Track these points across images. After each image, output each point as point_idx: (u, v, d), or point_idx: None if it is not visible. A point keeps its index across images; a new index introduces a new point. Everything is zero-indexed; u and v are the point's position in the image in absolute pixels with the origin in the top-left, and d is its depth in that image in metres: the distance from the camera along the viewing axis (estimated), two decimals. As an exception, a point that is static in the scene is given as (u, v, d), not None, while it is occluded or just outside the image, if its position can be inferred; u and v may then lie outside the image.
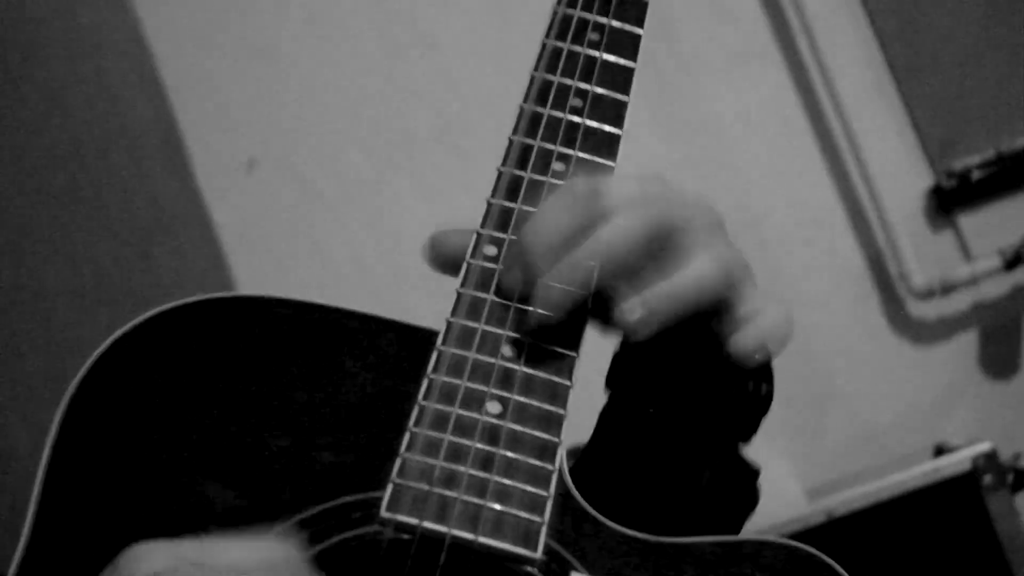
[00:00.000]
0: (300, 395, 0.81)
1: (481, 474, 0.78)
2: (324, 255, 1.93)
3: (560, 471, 0.80)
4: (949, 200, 2.21)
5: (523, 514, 0.78)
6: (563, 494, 0.80)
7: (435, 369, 0.81)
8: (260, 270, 1.83)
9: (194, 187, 1.82)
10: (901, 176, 2.22)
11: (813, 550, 0.81)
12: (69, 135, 1.69)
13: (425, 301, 0.84)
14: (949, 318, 2.21)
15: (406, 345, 0.82)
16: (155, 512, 0.77)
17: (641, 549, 0.80)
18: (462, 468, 0.78)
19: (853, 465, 2.08)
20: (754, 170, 2.20)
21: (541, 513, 0.78)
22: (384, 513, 0.77)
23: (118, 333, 0.79)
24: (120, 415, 0.79)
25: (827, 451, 2.12)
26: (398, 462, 0.78)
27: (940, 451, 1.95)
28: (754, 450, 2.05)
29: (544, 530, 0.78)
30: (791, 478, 1.97)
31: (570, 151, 0.87)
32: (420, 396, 0.80)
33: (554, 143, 0.87)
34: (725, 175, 2.20)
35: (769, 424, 2.11)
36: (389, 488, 0.77)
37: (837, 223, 2.22)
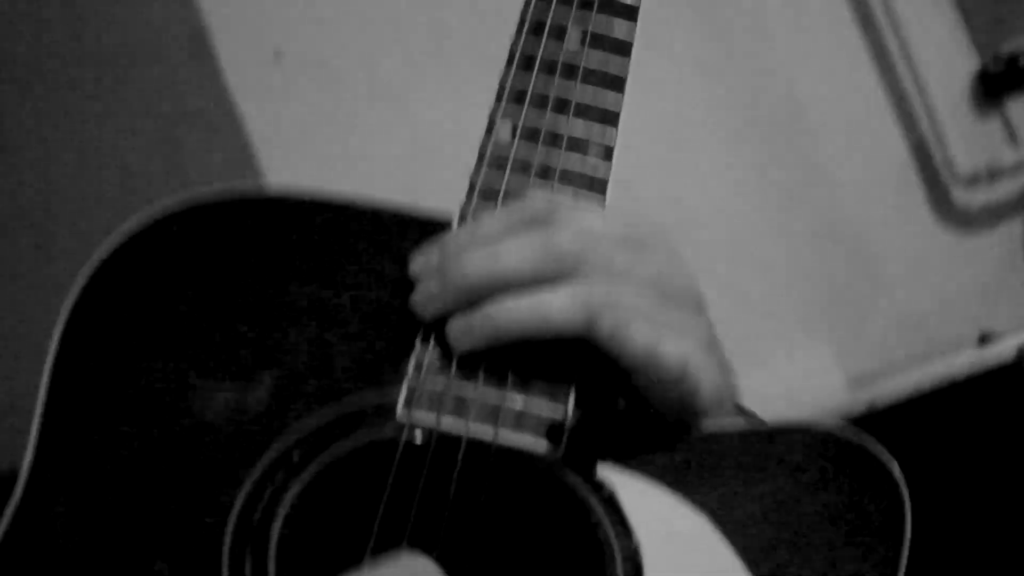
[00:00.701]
0: (315, 293, 0.78)
1: (501, 368, 0.75)
2: (352, 148, 1.90)
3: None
4: (996, 85, 2.16)
5: (545, 410, 0.75)
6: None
7: None
8: (288, 163, 1.80)
9: (222, 82, 1.79)
10: (946, 60, 2.17)
11: (841, 431, 0.78)
12: (92, 31, 1.66)
13: (452, 196, 0.80)
14: (995, 205, 2.17)
15: (420, 235, 0.79)
16: (168, 419, 0.74)
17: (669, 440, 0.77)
18: (481, 362, 0.75)
19: (896, 354, 2.05)
20: (795, 59, 2.15)
21: (564, 408, 0.75)
22: (399, 413, 0.74)
23: (123, 230, 0.77)
24: (128, 315, 0.76)
25: (870, 340, 2.08)
26: (413, 359, 0.76)
27: (985, 339, 1.91)
28: (796, 340, 2.02)
29: (568, 425, 0.75)
30: (833, 367, 1.94)
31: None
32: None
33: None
34: (764, 64, 2.15)
35: (811, 312, 2.08)
36: (404, 387, 0.75)
37: (880, 109, 2.17)
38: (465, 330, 0.75)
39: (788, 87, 2.14)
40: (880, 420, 1.81)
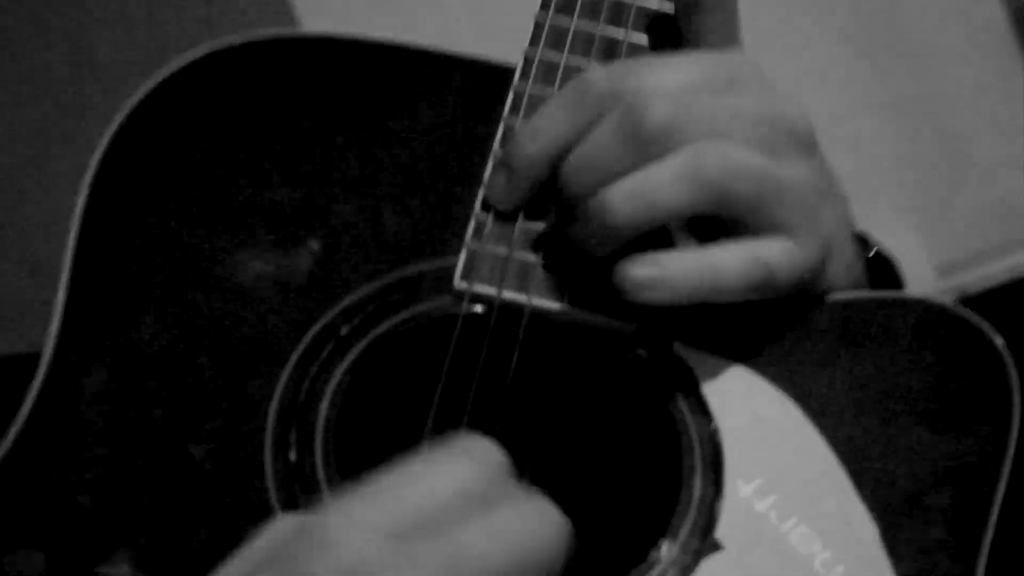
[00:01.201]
0: (359, 150, 0.72)
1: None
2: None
3: None
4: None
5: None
6: None
7: (512, 111, 0.71)
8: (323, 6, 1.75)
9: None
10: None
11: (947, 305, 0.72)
12: None
13: (504, 39, 0.74)
14: (1100, 78, 2.09)
15: (478, 84, 0.73)
16: (203, 289, 0.69)
17: (751, 314, 0.71)
18: (546, 227, 0.70)
19: (988, 240, 1.99)
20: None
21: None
22: (457, 283, 0.69)
23: (149, 83, 0.71)
24: (160, 173, 0.71)
25: (960, 224, 2.02)
26: (472, 223, 0.70)
27: (1083, 223, 1.85)
28: (879, 222, 1.95)
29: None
30: (921, 253, 1.88)
31: None
32: (496, 144, 0.71)
33: None
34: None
35: (896, 195, 2.02)
36: (463, 254, 0.69)
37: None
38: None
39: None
40: (973, 307, 1.76)
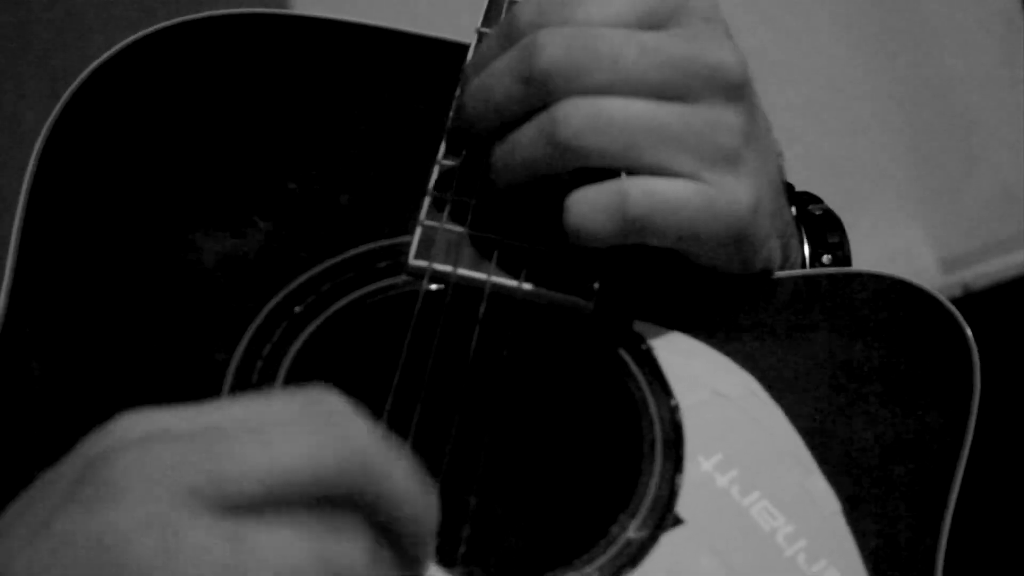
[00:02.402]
0: (312, 127, 0.73)
1: (524, 210, 0.70)
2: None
3: None
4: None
5: (574, 255, 0.69)
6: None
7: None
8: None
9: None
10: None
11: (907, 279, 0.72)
12: None
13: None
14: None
15: (431, 62, 0.73)
16: (154, 266, 0.70)
17: (711, 290, 0.71)
18: (502, 204, 0.70)
19: (994, 234, 1.98)
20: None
21: (595, 253, 0.70)
22: (412, 261, 0.70)
23: (104, 56, 0.71)
24: (107, 151, 0.71)
25: (965, 217, 2.01)
26: (427, 200, 0.70)
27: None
28: (882, 214, 1.95)
29: (598, 274, 0.70)
30: (924, 246, 1.88)
31: None
32: (450, 122, 0.72)
33: None
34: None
35: (900, 185, 2.01)
36: (418, 231, 0.70)
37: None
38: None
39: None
40: (977, 303, 1.75)
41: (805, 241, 0.77)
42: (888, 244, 1.85)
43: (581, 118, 0.66)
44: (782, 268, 0.74)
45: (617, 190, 0.67)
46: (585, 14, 0.68)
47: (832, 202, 0.80)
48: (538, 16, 0.68)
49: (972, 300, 1.75)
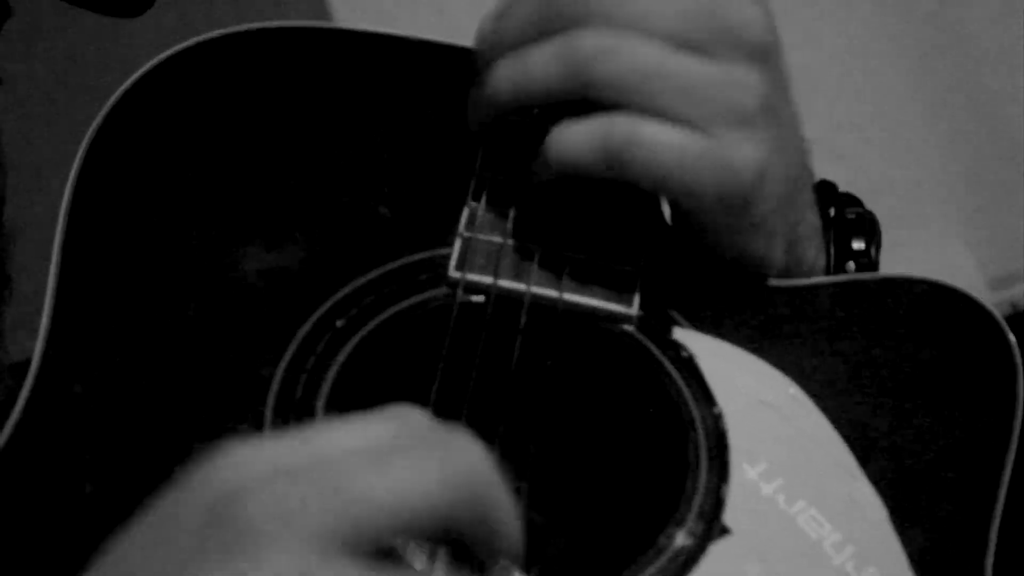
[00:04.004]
0: (351, 141, 0.74)
1: (563, 220, 0.71)
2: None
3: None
4: None
5: (614, 264, 0.70)
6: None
7: None
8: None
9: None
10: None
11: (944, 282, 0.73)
12: None
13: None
14: None
15: (470, 73, 0.74)
16: (193, 283, 0.71)
17: (753, 297, 0.72)
18: (541, 214, 0.71)
19: (1042, 253, 1.98)
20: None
21: (636, 262, 0.70)
22: (453, 272, 0.71)
23: (137, 74, 0.73)
24: (146, 165, 0.73)
25: (1014, 236, 2.00)
26: (465, 212, 0.71)
27: None
28: (930, 232, 1.94)
29: (639, 282, 0.71)
30: (972, 266, 1.87)
31: None
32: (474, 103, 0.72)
33: None
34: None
35: (948, 206, 2.01)
36: (457, 243, 0.71)
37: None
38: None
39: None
40: (1025, 322, 1.75)
41: (832, 245, 0.77)
42: (936, 261, 1.85)
43: (597, 43, 0.67)
44: (789, 272, 0.74)
45: (603, 121, 0.68)
46: None
47: (880, 220, 0.80)
48: None
49: (1021, 319, 1.74)
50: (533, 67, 0.69)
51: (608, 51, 0.68)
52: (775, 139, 0.70)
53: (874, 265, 0.77)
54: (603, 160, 0.68)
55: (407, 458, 0.51)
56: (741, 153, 0.68)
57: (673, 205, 0.72)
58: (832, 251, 0.77)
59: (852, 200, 0.79)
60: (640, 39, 0.68)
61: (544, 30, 0.69)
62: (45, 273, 0.70)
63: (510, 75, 0.70)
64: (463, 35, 0.76)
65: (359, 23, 0.76)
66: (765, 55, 0.69)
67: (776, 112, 0.70)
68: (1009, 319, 1.92)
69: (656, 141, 0.68)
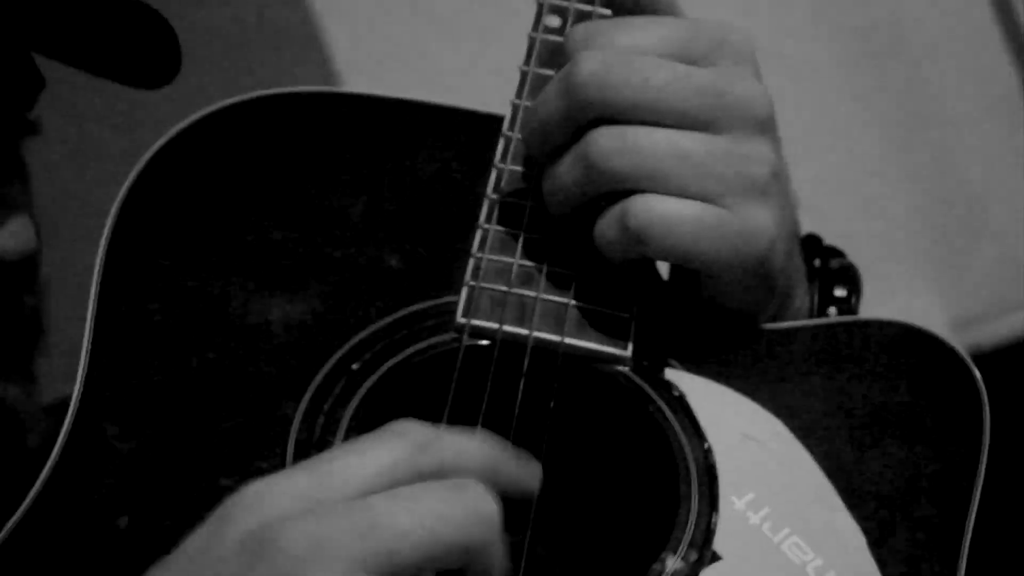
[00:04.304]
0: (363, 197, 0.79)
1: (562, 270, 0.76)
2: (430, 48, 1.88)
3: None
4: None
5: (610, 310, 0.75)
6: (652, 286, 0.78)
7: (502, 156, 0.78)
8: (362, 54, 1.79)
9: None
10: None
11: (916, 325, 0.78)
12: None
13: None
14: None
15: (471, 133, 0.80)
16: (217, 332, 0.75)
17: (739, 339, 0.77)
18: (541, 264, 0.76)
19: (1004, 297, 2.02)
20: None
21: (630, 308, 0.75)
22: (459, 319, 0.75)
23: (162, 140, 0.77)
24: (172, 220, 0.78)
25: (975, 281, 2.05)
26: (471, 263, 0.76)
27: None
28: (897, 279, 1.99)
29: (634, 326, 0.76)
30: (935, 308, 1.91)
31: None
32: (489, 189, 0.78)
33: None
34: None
35: (912, 249, 2.05)
36: (464, 291, 0.76)
37: (991, 38, 2.12)
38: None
39: (894, 12, 2.10)
40: (985, 364, 1.78)
41: (816, 293, 0.83)
42: (902, 306, 1.89)
43: (609, 141, 0.72)
44: (777, 317, 0.79)
45: (622, 205, 0.73)
46: (628, 40, 0.74)
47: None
48: (584, 41, 0.74)
49: (982, 360, 1.77)
50: (562, 176, 0.74)
51: (620, 146, 0.72)
52: (783, 204, 0.75)
53: (854, 312, 0.82)
54: (626, 239, 0.73)
55: (432, 496, 0.58)
56: (755, 221, 0.73)
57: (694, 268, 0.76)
58: (816, 298, 0.82)
59: (836, 252, 0.84)
60: (649, 129, 0.72)
61: (566, 114, 0.73)
62: (77, 325, 0.75)
63: (548, 188, 0.75)
64: (460, 95, 0.81)
65: (366, 87, 0.81)
66: (770, 127, 0.74)
67: (782, 176, 0.75)
68: (974, 358, 1.95)
69: (670, 219, 0.72)
